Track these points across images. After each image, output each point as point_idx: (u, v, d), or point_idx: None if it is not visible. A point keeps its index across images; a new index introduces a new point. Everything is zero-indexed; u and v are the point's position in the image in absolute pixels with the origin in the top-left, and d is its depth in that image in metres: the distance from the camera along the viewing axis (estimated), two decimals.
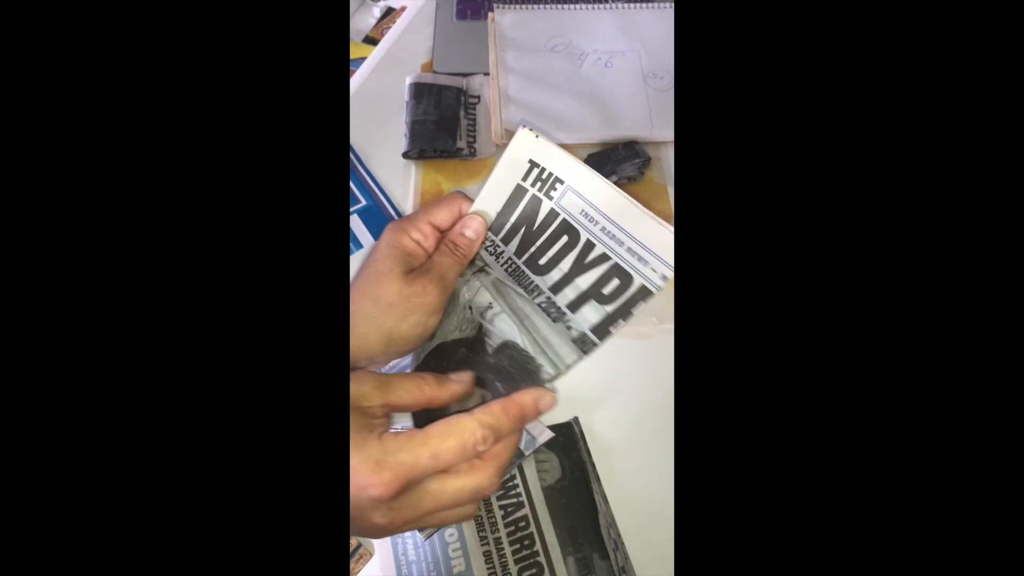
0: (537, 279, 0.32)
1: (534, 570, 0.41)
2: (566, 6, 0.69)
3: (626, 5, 0.69)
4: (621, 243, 0.31)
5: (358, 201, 0.58)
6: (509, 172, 0.32)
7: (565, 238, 0.31)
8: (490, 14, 0.68)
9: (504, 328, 0.31)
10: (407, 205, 0.57)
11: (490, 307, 0.32)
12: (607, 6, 0.69)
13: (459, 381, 0.29)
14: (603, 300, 0.31)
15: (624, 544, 0.43)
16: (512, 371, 0.30)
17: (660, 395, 0.48)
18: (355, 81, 0.66)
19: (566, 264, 0.31)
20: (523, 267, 0.32)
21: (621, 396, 0.48)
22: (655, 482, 0.45)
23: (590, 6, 0.69)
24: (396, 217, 0.57)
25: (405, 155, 0.60)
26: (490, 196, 0.32)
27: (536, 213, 0.31)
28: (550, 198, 0.31)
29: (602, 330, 0.32)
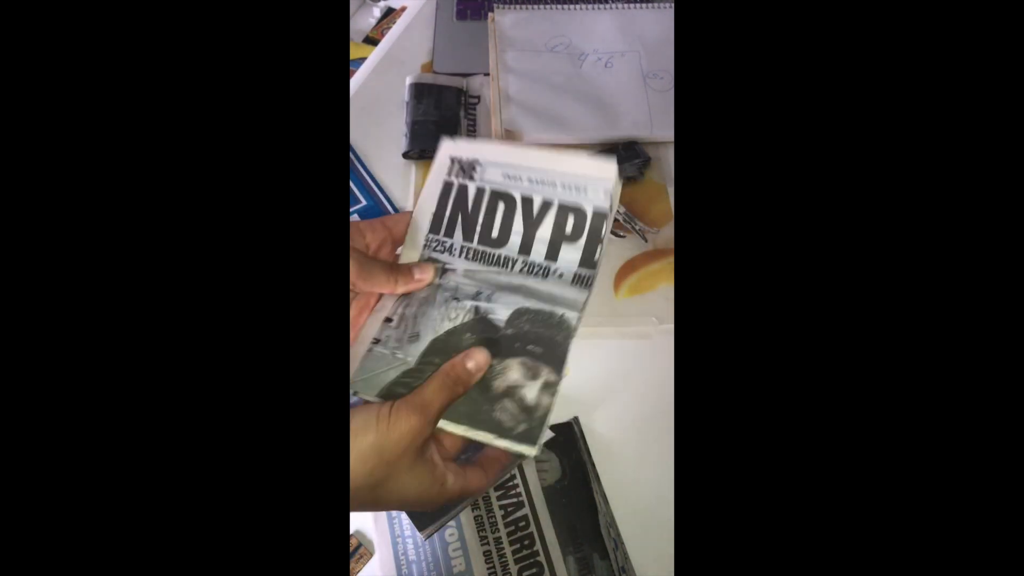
0: (501, 251, 0.33)
1: (534, 569, 0.41)
2: (566, 7, 0.69)
3: (626, 5, 0.69)
4: (553, 185, 0.32)
5: (358, 201, 0.58)
6: (437, 175, 0.34)
7: (502, 205, 0.33)
8: (490, 14, 0.68)
9: (507, 301, 0.31)
10: (407, 205, 0.58)
11: (479, 293, 0.32)
12: (607, 7, 0.69)
13: (475, 358, 0.30)
14: (572, 238, 0.32)
15: (624, 544, 0.43)
16: (539, 331, 0.30)
17: (660, 395, 0.48)
18: (355, 81, 0.66)
19: (518, 226, 0.33)
20: (480, 248, 0.33)
21: (621, 396, 0.48)
22: (655, 482, 0.45)
23: (590, 7, 0.69)
24: (395, 212, 0.57)
25: (405, 155, 0.60)
26: (425, 201, 0.34)
27: (466, 197, 0.33)
28: (472, 179, 0.33)
29: (589, 261, 0.32)
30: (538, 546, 0.42)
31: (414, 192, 0.58)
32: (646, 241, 0.55)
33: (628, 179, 0.58)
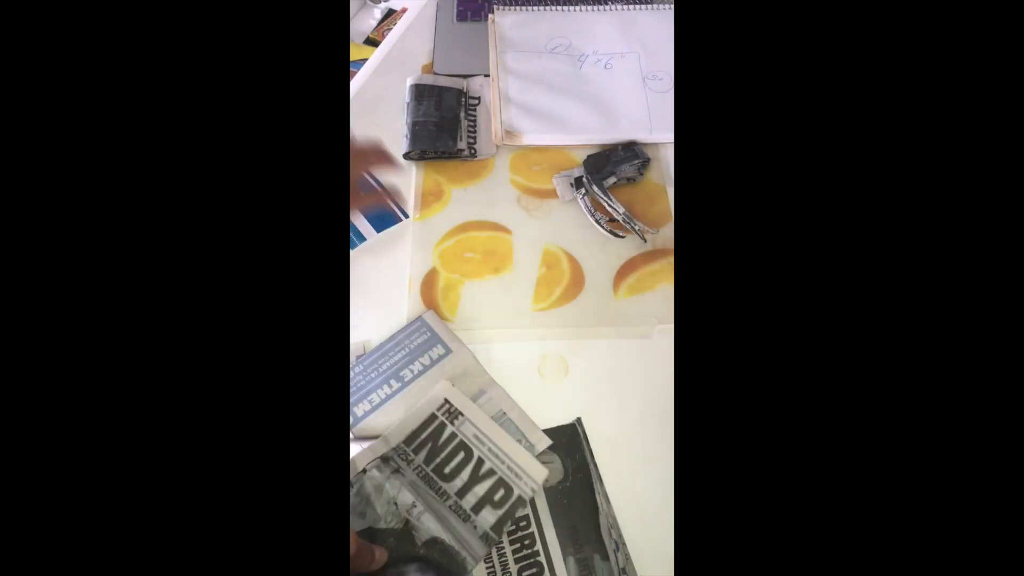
0: (445, 485, 0.43)
1: (534, 570, 0.41)
2: (566, 8, 0.70)
3: (625, 7, 0.70)
4: (502, 461, 0.43)
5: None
6: (429, 404, 0.45)
7: (462, 454, 0.43)
8: (490, 16, 0.68)
9: (430, 526, 0.40)
10: (408, 205, 0.58)
11: (414, 505, 0.41)
12: (607, 8, 0.70)
13: (379, 556, 0.38)
14: (495, 505, 0.42)
15: (626, 545, 0.43)
16: (442, 562, 0.39)
17: (660, 395, 0.48)
18: (356, 82, 0.67)
19: (465, 474, 0.43)
20: (431, 474, 0.43)
21: (620, 396, 0.48)
22: (655, 482, 0.45)
23: (590, 8, 0.70)
24: (396, 208, 0.57)
25: (406, 156, 0.60)
26: (411, 417, 0.45)
27: (441, 434, 0.44)
28: (452, 424, 0.44)
29: (499, 528, 0.42)
30: (538, 546, 0.42)
31: (415, 193, 0.58)
32: (645, 241, 0.55)
33: (627, 180, 0.59)
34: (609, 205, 0.56)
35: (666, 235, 0.56)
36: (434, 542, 0.40)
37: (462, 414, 0.45)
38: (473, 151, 0.60)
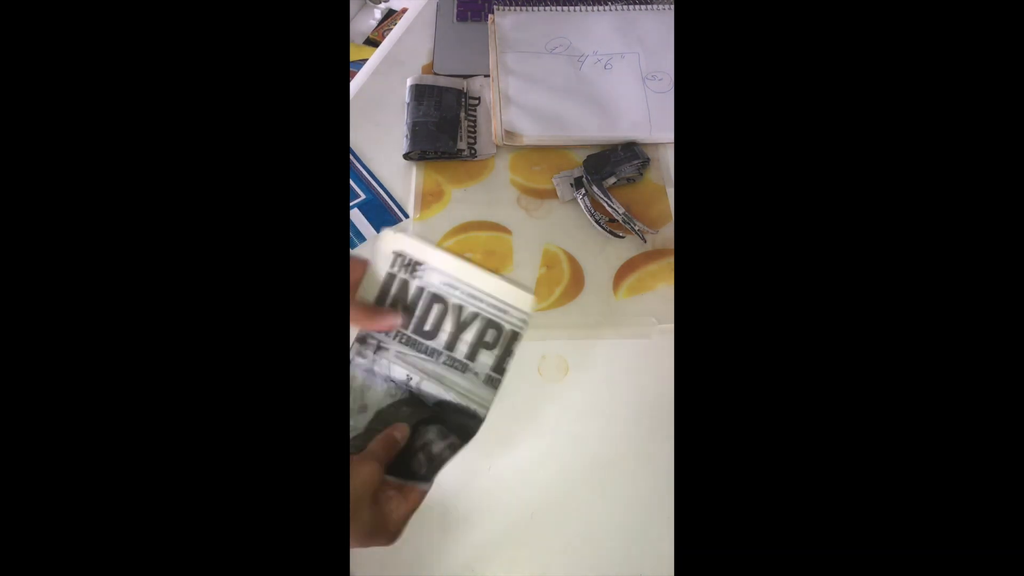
0: (430, 343, 0.39)
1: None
2: (566, 8, 0.70)
3: (625, 7, 0.70)
4: (482, 300, 0.39)
5: (357, 195, 0.58)
6: (381, 263, 0.40)
7: (437, 306, 0.39)
8: (490, 16, 0.68)
9: (432, 390, 0.38)
10: (408, 205, 0.58)
11: (409, 378, 0.38)
12: (606, 8, 0.70)
13: (399, 431, 0.38)
14: (489, 347, 0.39)
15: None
16: (457, 419, 0.38)
17: (660, 395, 0.48)
18: (356, 83, 0.67)
19: (448, 326, 0.39)
20: (413, 336, 0.39)
21: (621, 396, 0.48)
22: (655, 482, 0.45)
23: (589, 8, 0.70)
24: (396, 208, 0.57)
25: (406, 156, 0.60)
26: (368, 284, 0.40)
27: (406, 292, 0.40)
28: (415, 277, 0.40)
29: (499, 368, 0.39)
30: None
31: (415, 193, 0.58)
32: (645, 242, 0.55)
33: (627, 180, 0.59)
34: (609, 205, 0.56)
35: (666, 235, 0.56)
36: (440, 404, 0.38)
37: (421, 263, 0.39)
38: (473, 151, 0.60)
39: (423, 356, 0.39)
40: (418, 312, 0.39)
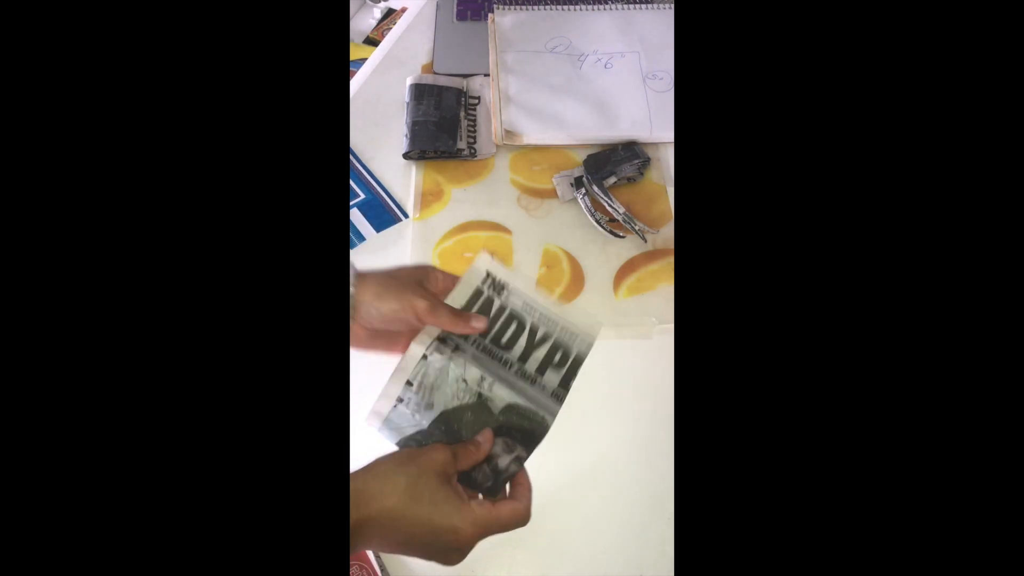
0: (505, 354, 0.43)
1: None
2: (566, 7, 0.69)
3: (625, 6, 0.69)
4: (556, 324, 0.44)
5: (357, 195, 0.58)
6: (472, 278, 0.44)
7: (515, 324, 0.43)
8: (490, 15, 0.68)
9: (502, 393, 0.40)
10: (408, 205, 0.58)
11: (483, 378, 0.40)
12: (606, 7, 0.70)
13: (485, 440, 0.38)
14: (556, 366, 0.43)
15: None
16: (523, 424, 0.40)
17: (660, 395, 0.48)
18: (356, 82, 0.67)
19: (522, 342, 0.43)
20: (490, 345, 0.43)
21: (621, 396, 0.48)
22: (655, 481, 0.45)
23: (590, 7, 0.70)
24: (396, 207, 0.57)
25: (406, 156, 0.60)
26: (458, 295, 0.44)
27: (491, 307, 0.44)
28: (500, 297, 0.44)
29: (565, 385, 0.42)
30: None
31: (414, 193, 0.58)
32: (645, 241, 0.55)
33: (628, 179, 0.59)
34: (609, 205, 0.56)
35: (666, 235, 0.56)
36: (511, 408, 0.40)
37: (506, 286, 0.45)
38: (473, 151, 0.60)
39: (497, 363, 0.42)
40: (497, 326, 0.43)
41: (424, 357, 0.41)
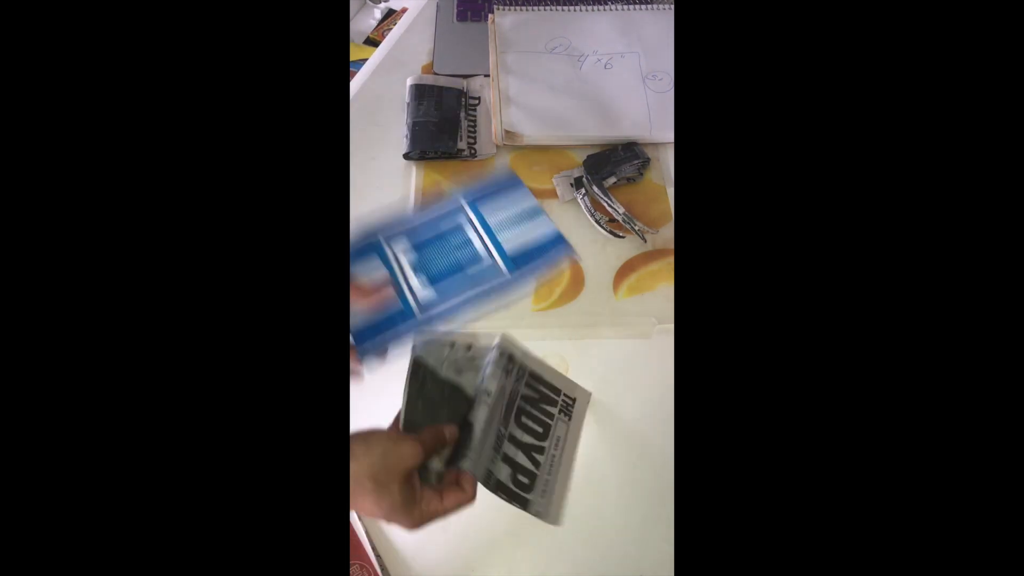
0: (515, 431, 0.43)
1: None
2: (566, 8, 0.70)
3: (625, 7, 0.70)
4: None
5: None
6: (560, 386, 0.45)
7: (541, 430, 0.44)
8: (490, 16, 0.68)
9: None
10: (408, 206, 0.58)
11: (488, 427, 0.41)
12: (606, 8, 0.70)
13: (451, 433, 0.39)
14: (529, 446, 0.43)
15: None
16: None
17: (660, 395, 0.48)
18: (356, 82, 0.67)
19: (530, 437, 0.43)
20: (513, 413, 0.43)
21: (621, 396, 0.48)
22: (655, 482, 0.45)
23: (589, 8, 0.70)
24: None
25: (406, 156, 0.60)
26: (551, 375, 0.45)
27: (547, 416, 0.45)
28: (564, 418, 0.45)
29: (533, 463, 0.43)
30: None
31: (415, 193, 0.58)
32: (645, 241, 0.55)
33: (628, 180, 0.59)
34: (609, 205, 0.56)
35: (666, 235, 0.56)
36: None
37: (573, 415, 0.46)
38: (473, 151, 0.60)
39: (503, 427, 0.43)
40: (532, 420, 0.44)
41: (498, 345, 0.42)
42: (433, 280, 0.45)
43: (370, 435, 0.35)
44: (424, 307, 0.43)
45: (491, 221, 0.47)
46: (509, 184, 0.49)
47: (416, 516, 0.35)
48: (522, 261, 0.45)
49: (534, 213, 0.47)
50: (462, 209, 0.48)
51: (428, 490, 0.36)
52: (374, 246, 0.46)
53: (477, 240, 0.46)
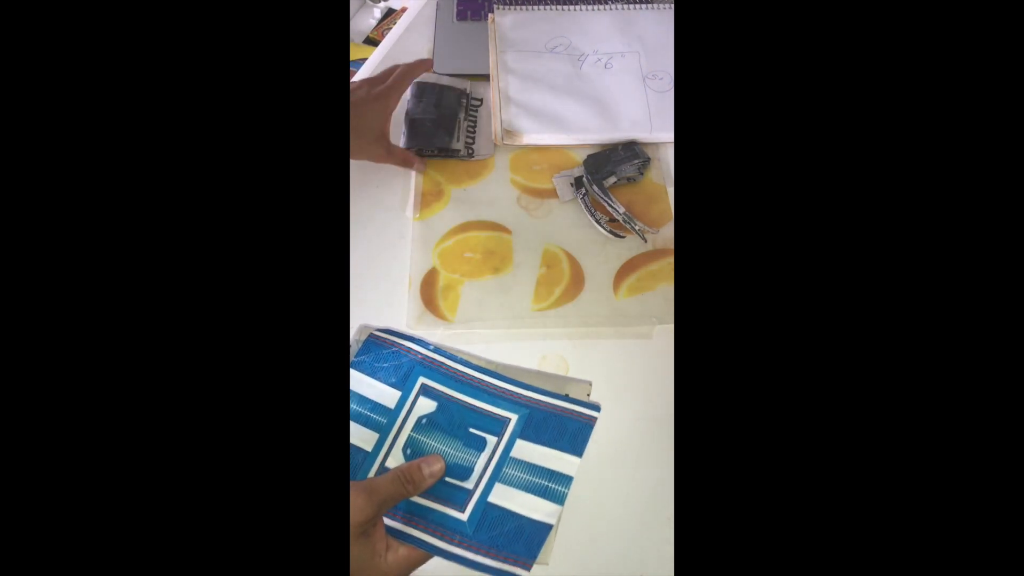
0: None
1: None
2: (566, 7, 0.69)
3: (625, 6, 0.69)
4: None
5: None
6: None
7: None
8: (490, 15, 0.68)
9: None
10: (407, 206, 0.58)
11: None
12: (606, 7, 0.69)
13: (435, 465, 0.38)
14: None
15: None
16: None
17: (660, 395, 0.48)
18: (356, 82, 0.66)
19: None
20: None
21: (621, 396, 0.48)
22: (655, 482, 0.45)
23: (589, 7, 0.69)
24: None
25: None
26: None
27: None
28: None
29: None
30: None
31: (414, 193, 0.58)
32: (645, 241, 0.55)
33: (628, 179, 0.59)
34: (609, 205, 0.56)
35: (666, 235, 0.56)
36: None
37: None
38: (471, 151, 0.60)
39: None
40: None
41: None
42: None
43: None
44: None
45: (516, 455, 0.43)
46: (574, 422, 0.44)
47: (382, 572, 0.33)
48: (488, 531, 0.40)
49: (559, 482, 0.42)
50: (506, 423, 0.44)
51: (393, 539, 0.34)
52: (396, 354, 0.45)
53: (482, 463, 0.43)
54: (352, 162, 0.55)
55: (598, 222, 0.55)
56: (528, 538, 0.40)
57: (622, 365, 0.50)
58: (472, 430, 0.44)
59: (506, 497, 0.41)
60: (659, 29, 0.68)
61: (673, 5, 0.69)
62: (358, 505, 0.33)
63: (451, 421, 0.44)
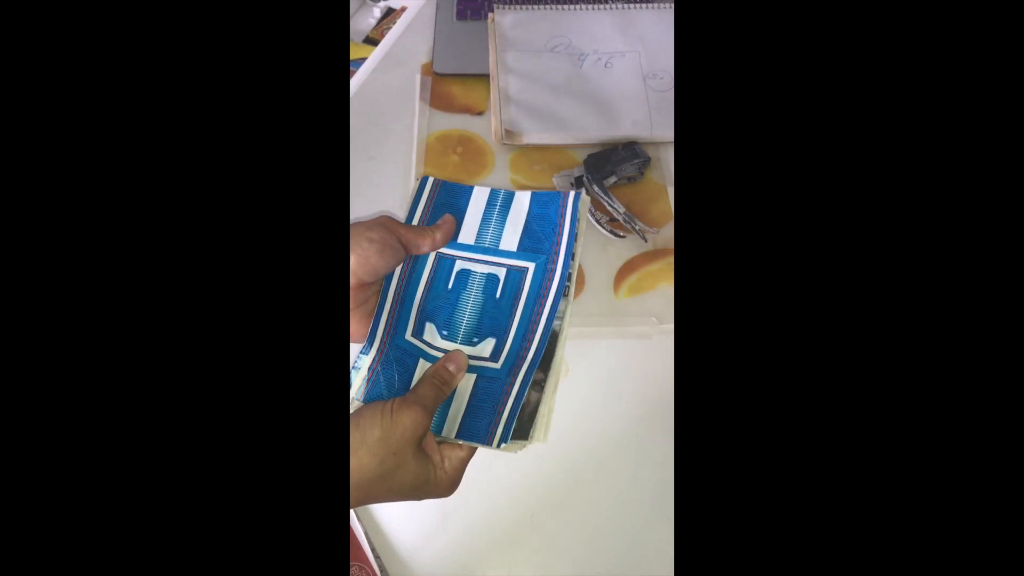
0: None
1: None
2: (566, 7, 0.69)
3: (626, 6, 0.69)
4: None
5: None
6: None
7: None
8: (490, 15, 0.68)
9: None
10: (403, 213, 0.58)
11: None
12: (607, 7, 0.69)
13: (459, 359, 0.39)
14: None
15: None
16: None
17: (660, 395, 0.48)
18: (355, 81, 0.66)
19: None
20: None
21: (621, 396, 0.48)
22: (655, 482, 0.45)
23: (590, 7, 0.69)
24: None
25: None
26: None
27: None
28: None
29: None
30: None
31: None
32: (646, 241, 0.55)
33: (628, 179, 0.58)
34: (610, 205, 0.56)
35: (666, 235, 0.56)
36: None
37: None
38: None
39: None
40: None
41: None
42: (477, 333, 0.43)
43: (360, 417, 0.32)
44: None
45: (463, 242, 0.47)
46: (458, 193, 0.48)
47: (444, 481, 0.33)
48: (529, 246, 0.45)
49: (503, 201, 0.47)
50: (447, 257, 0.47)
51: (445, 444, 0.34)
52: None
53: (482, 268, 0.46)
54: (352, 162, 0.54)
55: (598, 222, 0.55)
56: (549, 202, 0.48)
57: (622, 365, 0.50)
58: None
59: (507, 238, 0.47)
60: (659, 29, 0.67)
61: (673, 5, 0.69)
62: (415, 419, 0.33)
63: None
